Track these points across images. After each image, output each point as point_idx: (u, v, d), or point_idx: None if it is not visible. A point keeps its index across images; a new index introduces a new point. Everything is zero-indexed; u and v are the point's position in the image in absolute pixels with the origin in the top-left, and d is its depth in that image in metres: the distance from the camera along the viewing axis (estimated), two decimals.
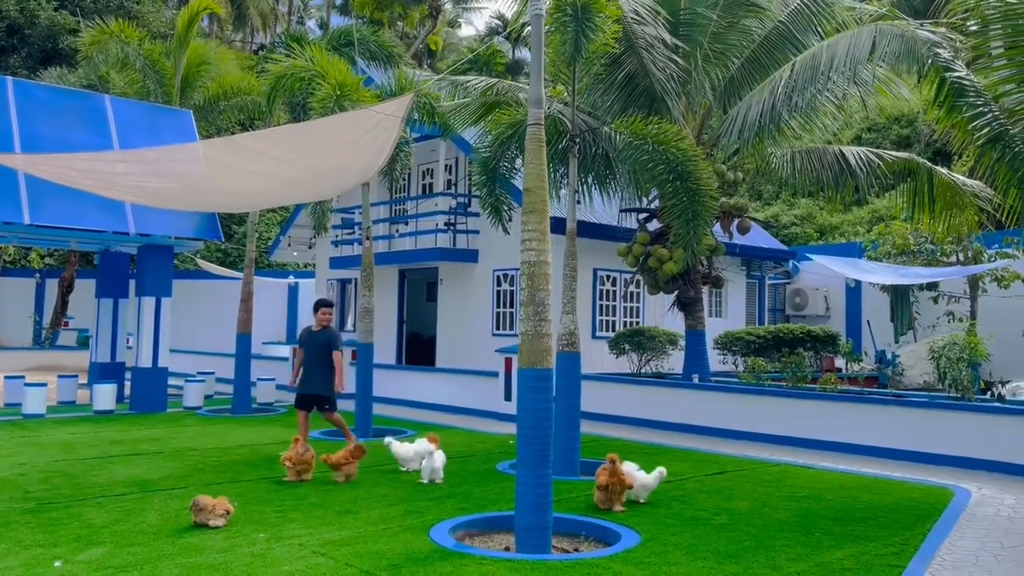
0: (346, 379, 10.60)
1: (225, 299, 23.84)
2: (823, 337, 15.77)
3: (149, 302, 14.79)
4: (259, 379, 16.01)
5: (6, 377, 15.36)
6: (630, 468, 7.55)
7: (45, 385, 13.90)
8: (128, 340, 16.07)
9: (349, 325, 21.52)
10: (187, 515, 6.62)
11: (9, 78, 14.20)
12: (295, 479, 8.22)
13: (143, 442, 9.09)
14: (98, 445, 10.43)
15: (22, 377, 15.13)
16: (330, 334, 9.47)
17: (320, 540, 6.01)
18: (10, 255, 29.22)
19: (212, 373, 17.25)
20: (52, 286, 28.38)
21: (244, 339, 14.67)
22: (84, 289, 26.23)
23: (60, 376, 15.84)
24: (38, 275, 28.94)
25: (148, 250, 14.88)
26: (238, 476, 8.56)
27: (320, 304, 9.64)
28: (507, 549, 6.04)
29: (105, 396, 14.05)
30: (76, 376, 16.02)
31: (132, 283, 16.95)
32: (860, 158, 13.13)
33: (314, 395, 9.33)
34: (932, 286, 18.49)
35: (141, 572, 5.20)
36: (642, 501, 7.48)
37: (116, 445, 10.02)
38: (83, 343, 25.26)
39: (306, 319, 25.93)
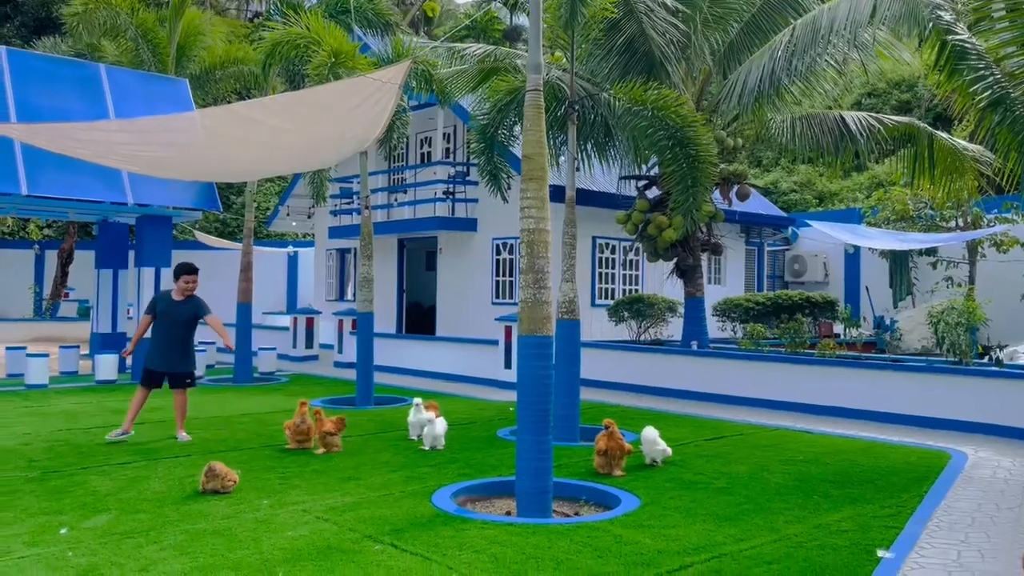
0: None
1: (224, 270, 23.79)
2: (822, 303, 15.79)
3: (149, 272, 14.79)
4: (260, 348, 16.06)
5: (7, 348, 15.40)
6: (653, 434, 7.63)
7: (47, 356, 13.94)
8: (128, 310, 16.09)
9: (349, 294, 21.54)
10: (191, 482, 6.68)
11: (3, 47, 14.05)
12: (297, 447, 8.28)
13: (145, 411, 9.15)
14: (101, 415, 10.48)
15: (24, 348, 15.19)
16: (197, 304, 8.92)
17: (323, 506, 6.07)
18: (8, 226, 29.15)
19: (213, 343, 17.29)
20: (51, 257, 28.35)
21: (244, 309, 14.70)
22: (84, 260, 26.20)
23: (62, 347, 15.88)
24: (37, 246, 28.89)
25: (147, 220, 14.84)
26: (241, 444, 8.62)
27: (183, 269, 8.93)
28: (508, 513, 6.10)
29: (107, 366, 14.10)
30: (77, 347, 16.06)
31: (131, 254, 16.92)
32: (860, 123, 13.04)
33: (176, 373, 8.85)
34: (931, 251, 18.49)
35: (147, 538, 5.26)
36: (659, 463, 7.57)
37: (119, 415, 10.07)
38: (84, 314, 25.30)
39: (307, 289, 25.96)
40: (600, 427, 8.23)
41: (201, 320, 9.05)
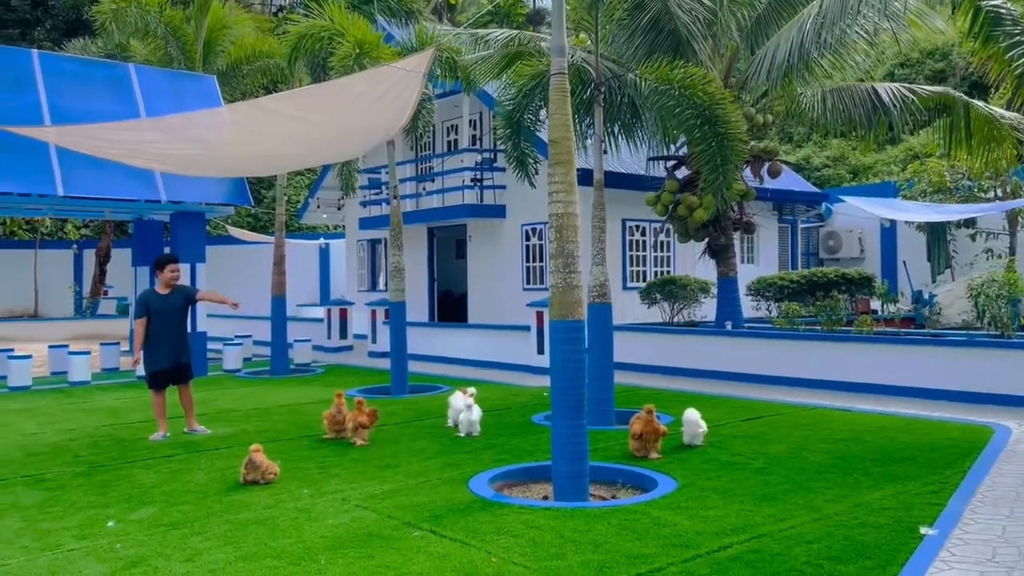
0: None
1: (258, 263, 24.10)
2: (858, 279, 15.57)
3: (185, 269, 15.01)
4: (295, 340, 16.26)
5: (50, 347, 15.75)
6: (694, 416, 7.64)
7: (89, 353, 14.25)
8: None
9: (381, 284, 21.70)
10: (233, 474, 6.80)
11: (35, 51, 14.31)
12: (334, 437, 8.38)
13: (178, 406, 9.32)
14: (143, 409, 10.70)
15: (66, 346, 15.53)
16: (184, 291, 8.84)
17: (362, 494, 6.15)
18: (47, 227, 29.75)
19: (249, 336, 17.54)
20: (89, 256, 28.89)
21: (279, 302, 14.88)
22: (121, 258, 26.68)
23: (102, 344, 16.20)
24: (75, 246, 29.46)
25: (180, 217, 15.06)
26: (280, 435, 8.75)
27: (165, 260, 8.79)
28: (545, 498, 6.13)
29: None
30: (118, 343, 16.38)
31: (167, 250, 17.18)
32: (893, 94, 12.80)
33: (181, 365, 8.84)
34: (969, 223, 18.12)
35: (191, 529, 5.37)
36: (701, 444, 7.58)
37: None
38: (123, 311, 25.78)
39: (339, 281, 26.19)
40: (635, 410, 8.23)
41: (194, 302, 9.00)
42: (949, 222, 17.93)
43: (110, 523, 5.57)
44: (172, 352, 8.78)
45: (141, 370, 13.63)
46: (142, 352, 8.68)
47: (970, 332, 12.52)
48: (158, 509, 5.89)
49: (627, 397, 10.71)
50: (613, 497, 6.21)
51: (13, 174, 12.60)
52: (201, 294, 9.04)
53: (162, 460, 7.60)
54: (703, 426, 7.65)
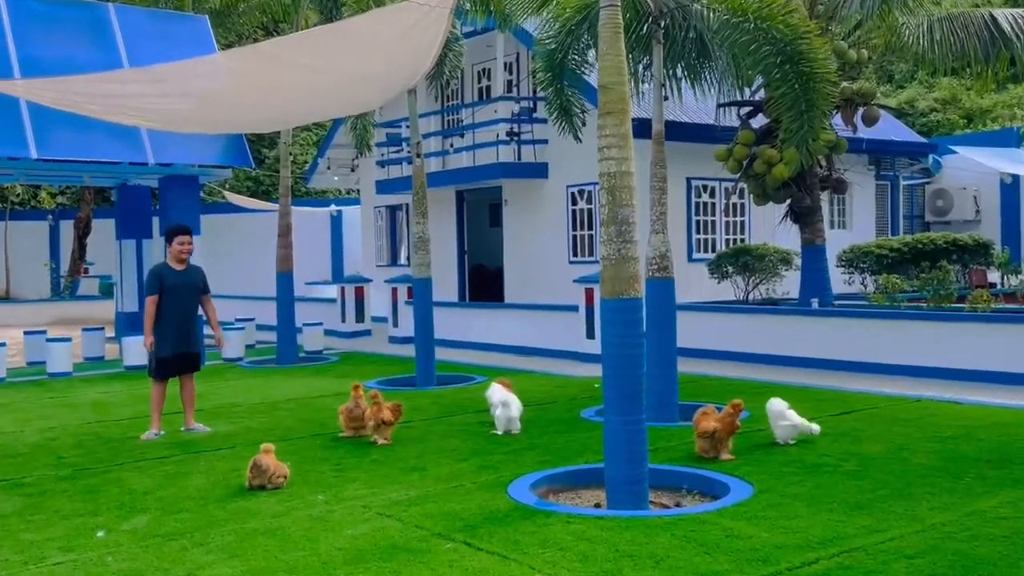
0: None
1: (260, 234, 24.42)
2: (972, 246, 15.32)
3: None
4: (305, 324, 16.49)
5: (25, 333, 16.07)
6: (780, 406, 7.65)
7: (69, 340, 14.58)
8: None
9: (402, 258, 21.86)
10: (237, 477, 6.97)
11: None
12: (352, 435, 8.52)
13: (179, 400, 9.53)
14: (133, 404, 10.96)
15: (43, 332, 15.86)
16: (202, 272, 9.11)
17: (385, 500, 6.28)
18: (18, 195, 30.37)
19: (252, 320, 17.80)
20: (67, 228, 29.40)
21: (285, 279, 15.07)
22: (103, 230, 27.18)
23: (84, 329, 16.55)
24: (50, 217, 30.05)
25: (170, 182, 15.30)
26: (289, 433, 8.93)
27: (175, 231, 8.99)
28: (597, 506, 6.20)
29: (136, 350, 14.60)
30: (102, 329, 16.73)
31: (156, 220, 17.51)
32: (1016, 22, 12.49)
33: (193, 354, 9.04)
34: None
35: (191, 540, 5.54)
36: (790, 442, 7.62)
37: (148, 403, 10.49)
38: (106, 291, 26.33)
39: (354, 254, 26.42)
40: (701, 404, 8.23)
41: (207, 289, 9.20)
42: None
43: (99, 533, 5.76)
44: (184, 337, 8.97)
45: (129, 360, 13.89)
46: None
47: None
48: (153, 518, 6.07)
49: (693, 388, 10.69)
50: (677, 505, 6.25)
51: None
52: (208, 300, 9.21)
53: (156, 462, 7.80)
54: (790, 418, 7.65)
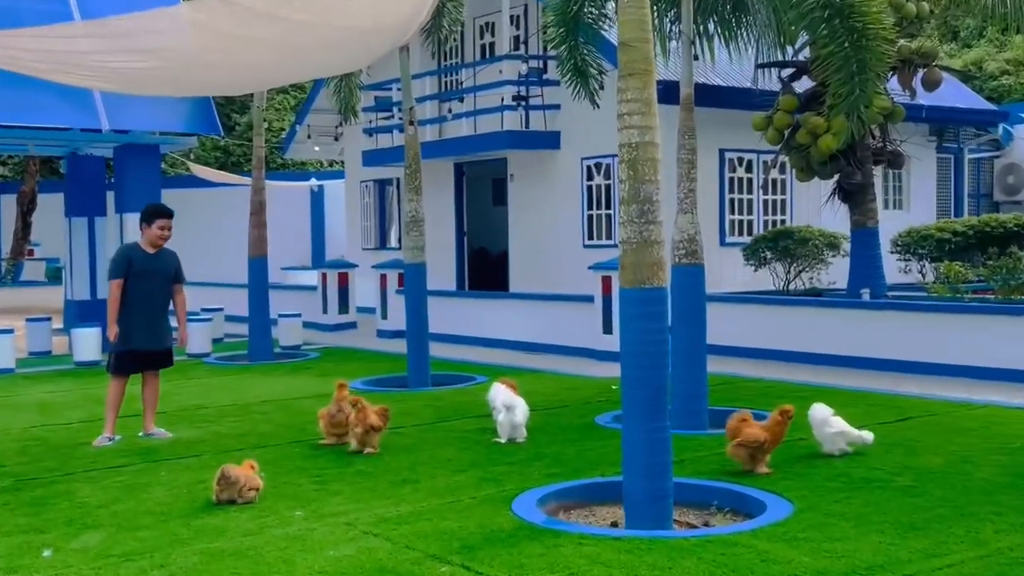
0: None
1: (229, 212, 24.41)
2: None
3: (133, 220, 15.16)
4: (280, 315, 16.52)
5: None
6: (823, 413, 7.67)
7: (12, 332, 14.63)
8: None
9: (393, 241, 21.87)
10: (202, 490, 6.99)
11: None
12: (335, 442, 8.54)
13: (140, 400, 9.56)
14: (84, 405, 11.01)
15: None
16: (176, 258, 9.20)
17: (372, 517, 6.30)
18: None
19: (220, 310, 17.85)
20: (9, 204, 29.46)
21: (258, 264, 15.09)
22: (50, 206, 27.16)
23: (28, 319, 16.61)
24: None
25: (127, 151, 15.32)
26: (263, 440, 8.96)
27: (159, 212, 9.11)
28: (614, 524, 6.21)
29: (87, 343, 14.71)
30: (49, 319, 16.78)
31: (110, 196, 17.53)
32: None
33: (162, 351, 9.16)
34: None
35: (151, 561, 5.56)
36: (837, 454, 7.65)
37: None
38: (54, 276, 26.38)
39: (338, 235, 26.45)
40: (734, 408, 8.24)
41: (180, 278, 9.26)
42: None
43: (46, 552, 5.78)
44: (153, 330, 9.03)
45: (80, 355, 13.95)
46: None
47: None
48: (107, 535, 6.09)
49: (724, 391, 10.69)
50: (705, 525, 6.26)
51: None
52: (180, 291, 9.28)
53: (111, 472, 7.83)
54: (835, 425, 7.64)
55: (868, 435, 7.80)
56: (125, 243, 9.81)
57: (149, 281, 8.96)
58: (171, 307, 9.34)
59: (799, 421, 8.03)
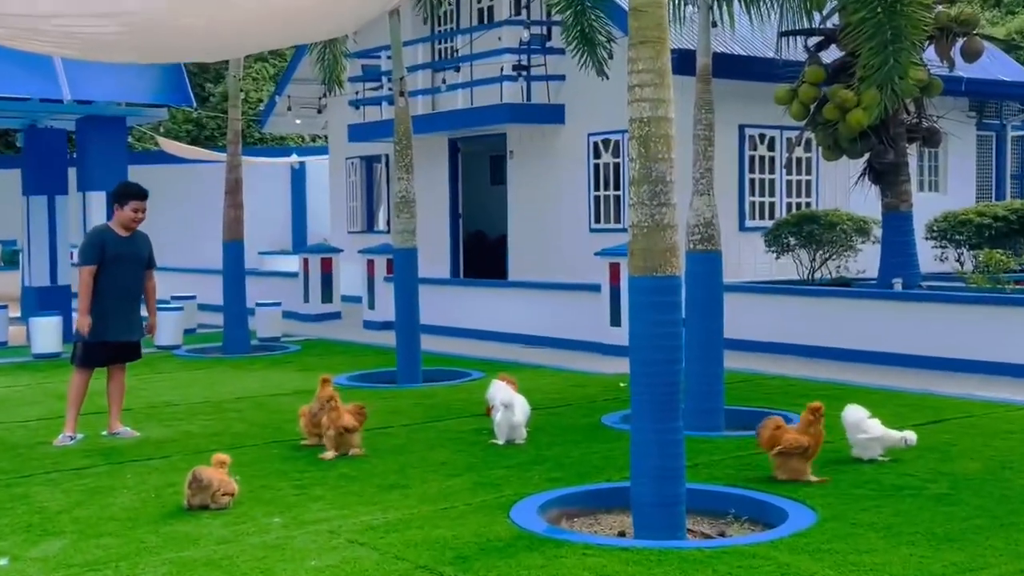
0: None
1: (203, 191, 24.40)
2: None
3: (97, 198, 15.30)
4: (258, 304, 16.51)
5: None
6: (857, 415, 7.68)
7: None
8: (72, 254, 16.74)
9: (381, 223, 21.86)
10: (172, 494, 7.01)
11: None
12: (317, 443, 8.54)
13: (104, 396, 9.56)
14: (43, 401, 11.01)
15: None
16: (149, 241, 9.29)
17: (358, 525, 6.31)
18: None
19: (193, 298, 17.84)
20: None
21: (234, 248, 15.08)
22: (5, 183, 27.08)
23: None
24: None
25: (91, 124, 15.30)
26: (239, 440, 8.96)
27: (130, 192, 9.14)
28: (622, 534, 6.23)
29: (47, 334, 14.70)
30: (5, 307, 16.76)
31: (72, 173, 17.51)
32: None
33: (133, 343, 9.24)
34: None
35: (116, 571, 5.56)
36: (878, 458, 7.66)
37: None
38: (10, 260, 26.36)
39: (321, 217, 26.42)
40: (758, 410, 8.26)
41: (153, 263, 9.31)
42: None
43: (2, 561, 5.78)
44: (125, 320, 9.05)
45: (39, 347, 13.97)
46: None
47: None
48: (68, 543, 6.09)
49: (742, 389, 10.70)
50: (720, 535, 6.27)
51: None
52: (152, 277, 9.32)
53: (73, 474, 7.83)
54: (870, 429, 7.64)
55: (911, 435, 7.77)
56: (97, 225, 9.82)
57: (123, 267, 8.99)
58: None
59: (827, 422, 8.04)
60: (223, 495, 6.74)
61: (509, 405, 8.57)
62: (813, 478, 7.17)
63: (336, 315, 19.14)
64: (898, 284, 13.41)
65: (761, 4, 12.54)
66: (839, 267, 15.14)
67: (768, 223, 16.19)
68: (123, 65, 14.12)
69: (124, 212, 9.04)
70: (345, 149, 22.37)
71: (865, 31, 11.18)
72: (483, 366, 12.80)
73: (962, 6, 13.67)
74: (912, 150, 14.98)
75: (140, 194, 9.11)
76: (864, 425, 7.69)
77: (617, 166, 16.75)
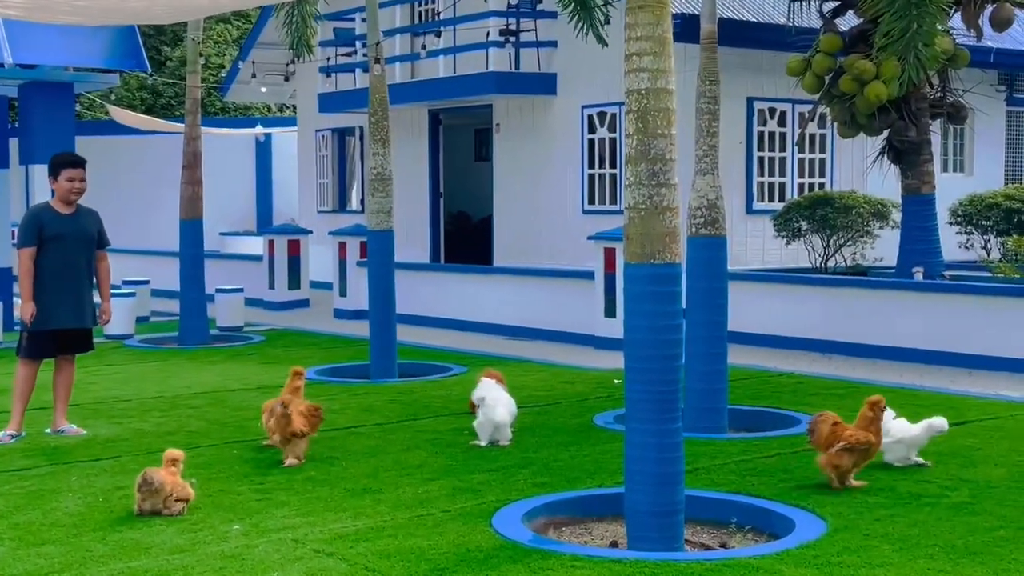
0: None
1: (158, 165, 24.32)
2: None
3: (42, 172, 15.16)
4: (218, 290, 16.48)
5: None
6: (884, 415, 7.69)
7: None
8: (14, 233, 16.67)
9: (354, 203, 21.82)
10: (122, 498, 6.99)
11: None
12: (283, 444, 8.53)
13: (47, 390, 9.52)
14: None
15: None
16: (97, 217, 9.26)
17: (325, 533, 6.30)
18: None
19: (146, 283, 17.79)
20: None
21: (192, 228, 15.03)
22: None
23: None
24: None
25: (35, 90, 15.22)
26: (195, 439, 8.93)
27: (64, 162, 9.06)
28: (614, 544, 6.24)
29: None
30: None
31: (14, 144, 17.41)
32: None
33: (84, 330, 9.22)
34: None
35: None
36: (898, 464, 7.67)
37: (5, 395, 10.51)
38: None
39: (288, 195, 26.36)
40: (767, 409, 8.27)
41: (104, 242, 9.30)
42: None
43: None
44: (73, 306, 9.00)
45: None
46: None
47: None
48: (7, 551, 6.07)
49: (748, 387, 10.72)
50: (722, 546, 6.29)
51: None
52: (103, 257, 9.29)
53: (12, 476, 7.80)
54: (895, 432, 7.64)
55: (939, 421, 7.73)
56: (35, 204, 9.75)
57: (67, 246, 8.94)
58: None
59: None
60: (176, 501, 6.70)
61: (492, 403, 8.52)
62: (856, 483, 7.18)
63: (304, 303, 19.12)
64: (919, 273, 13.43)
65: None
66: (855, 254, 15.18)
67: (778, 206, 16.21)
68: (71, 26, 14.05)
69: (60, 184, 8.94)
70: (315, 120, 22.31)
71: None
72: (464, 360, 12.81)
73: None
74: (935, 127, 14.99)
75: (74, 162, 9.04)
76: (888, 427, 7.68)
77: (613, 142, 16.74)
